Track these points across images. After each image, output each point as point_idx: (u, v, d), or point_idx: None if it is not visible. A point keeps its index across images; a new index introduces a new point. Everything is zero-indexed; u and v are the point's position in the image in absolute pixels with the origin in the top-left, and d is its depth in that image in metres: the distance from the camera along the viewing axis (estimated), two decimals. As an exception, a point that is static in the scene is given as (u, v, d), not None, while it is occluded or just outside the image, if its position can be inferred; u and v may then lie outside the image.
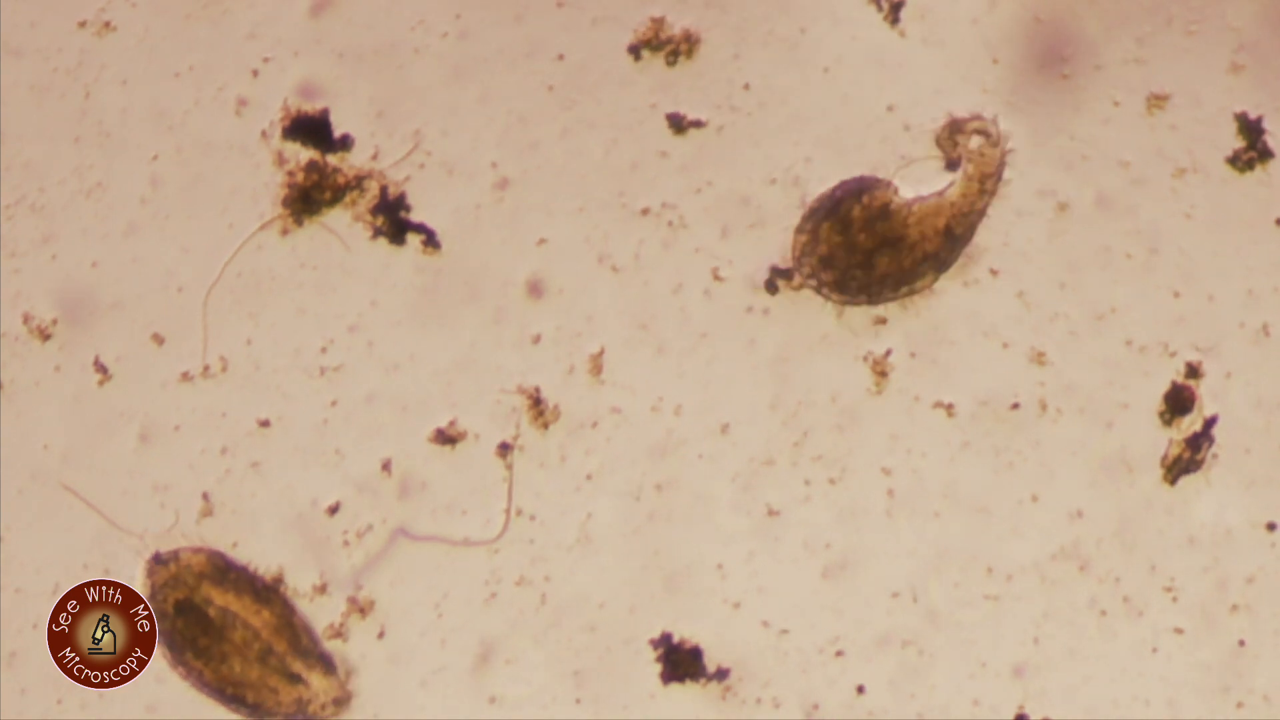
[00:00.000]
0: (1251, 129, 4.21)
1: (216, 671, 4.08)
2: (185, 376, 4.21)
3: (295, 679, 4.11)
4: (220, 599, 4.09)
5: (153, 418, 4.21)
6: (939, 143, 4.14)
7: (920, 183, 4.16)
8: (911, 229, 4.12)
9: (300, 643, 4.12)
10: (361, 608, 4.17)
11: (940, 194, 4.13)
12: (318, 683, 4.11)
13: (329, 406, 4.21)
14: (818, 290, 4.14)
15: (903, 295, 4.16)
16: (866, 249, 4.14)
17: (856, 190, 4.15)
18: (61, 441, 4.20)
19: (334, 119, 4.22)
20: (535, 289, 4.21)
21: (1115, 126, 4.21)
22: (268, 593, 4.12)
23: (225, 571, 4.11)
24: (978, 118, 4.11)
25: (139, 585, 4.10)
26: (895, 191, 4.14)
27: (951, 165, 4.14)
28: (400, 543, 4.19)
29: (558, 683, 4.17)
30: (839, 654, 4.17)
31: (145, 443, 4.20)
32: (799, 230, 4.15)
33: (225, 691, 4.09)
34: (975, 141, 4.12)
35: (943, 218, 4.11)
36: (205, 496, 4.18)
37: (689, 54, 4.21)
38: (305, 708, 4.11)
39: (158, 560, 4.11)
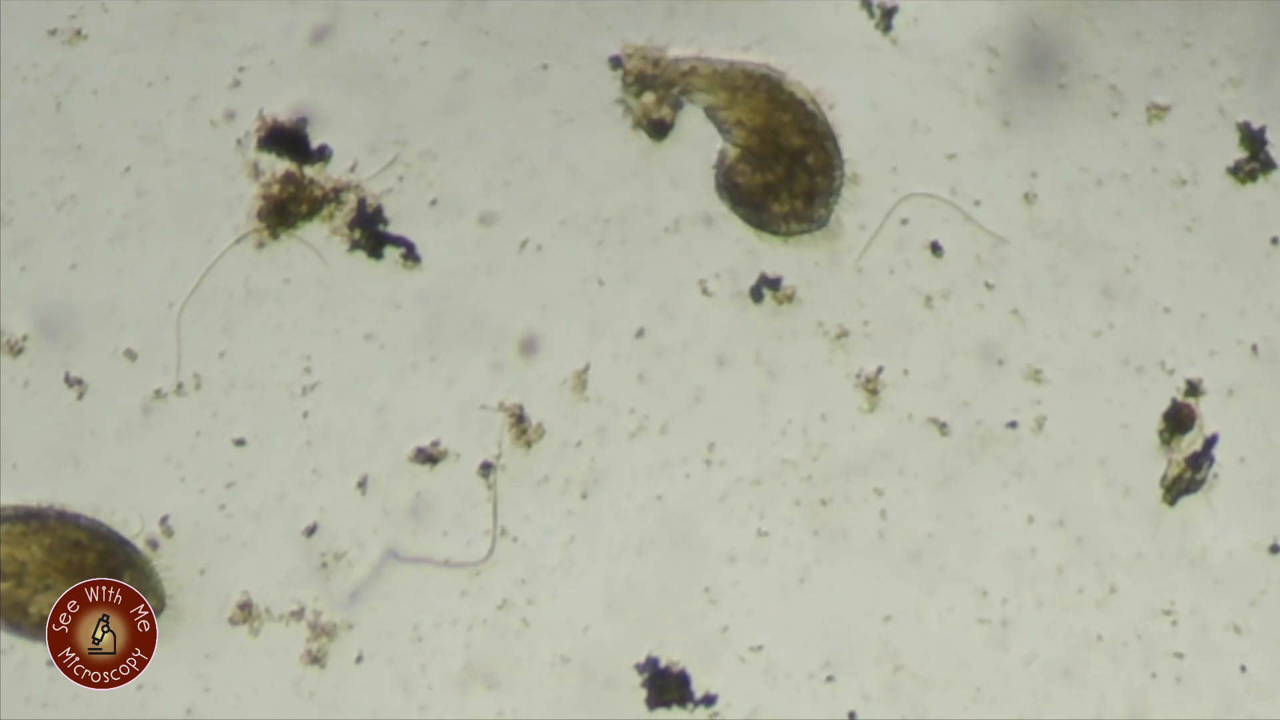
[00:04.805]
0: (1255, 139, 4.18)
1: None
2: (158, 394, 4.17)
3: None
4: None
5: (125, 435, 4.17)
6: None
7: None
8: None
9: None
10: (338, 632, 4.14)
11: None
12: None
13: (306, 424, 4.17)
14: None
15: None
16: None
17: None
18: (31, 458, 4.16)
19: (311, 130, 4.19)
20: (518, 305, 4.19)
21: (1114, 137, 4.20)
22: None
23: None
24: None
25: None
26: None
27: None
28: (379, 565, 4.16)
29: (540, 708, 4.14)
30: (829, 679, 4.15)
31: (118, 460, 4.16)
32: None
33: None
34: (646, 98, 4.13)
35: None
36: (171, 518, 4.15)
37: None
38: None
39: None
